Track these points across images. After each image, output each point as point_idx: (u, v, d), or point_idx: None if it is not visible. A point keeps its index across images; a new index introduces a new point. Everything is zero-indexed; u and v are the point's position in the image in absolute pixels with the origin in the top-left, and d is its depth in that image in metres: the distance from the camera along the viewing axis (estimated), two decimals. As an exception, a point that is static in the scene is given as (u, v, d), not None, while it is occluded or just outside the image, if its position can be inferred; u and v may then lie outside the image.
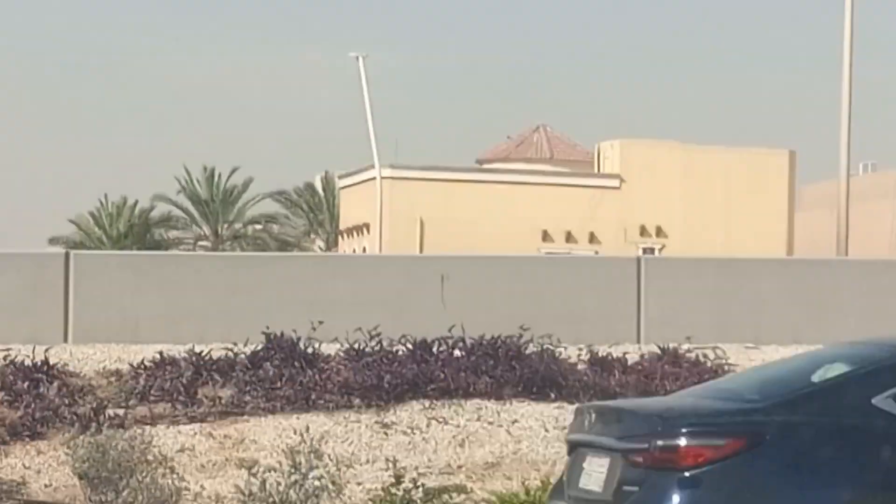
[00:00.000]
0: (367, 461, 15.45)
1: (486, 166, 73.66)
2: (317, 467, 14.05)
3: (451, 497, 14.10)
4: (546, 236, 61.12)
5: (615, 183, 66.76)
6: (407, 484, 14.04)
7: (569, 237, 60.92)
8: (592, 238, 59.42)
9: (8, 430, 15.74)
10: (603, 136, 70.99)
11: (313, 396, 16.85)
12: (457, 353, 17.59)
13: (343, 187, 71.92)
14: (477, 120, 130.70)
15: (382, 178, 60.20)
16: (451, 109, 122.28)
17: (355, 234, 66.03)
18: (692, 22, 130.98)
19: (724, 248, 52.34)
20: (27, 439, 15.62)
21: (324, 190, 79.66)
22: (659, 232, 62.50)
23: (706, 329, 18.80)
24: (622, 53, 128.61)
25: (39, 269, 19.24)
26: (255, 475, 14.04)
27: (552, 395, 17.09)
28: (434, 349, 17.64)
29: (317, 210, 79.83)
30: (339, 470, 14.17)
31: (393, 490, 13.93)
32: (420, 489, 14.07)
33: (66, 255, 19.29)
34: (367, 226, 63.79)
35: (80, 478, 13.98)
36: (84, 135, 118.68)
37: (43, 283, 18.89)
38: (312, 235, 78.12)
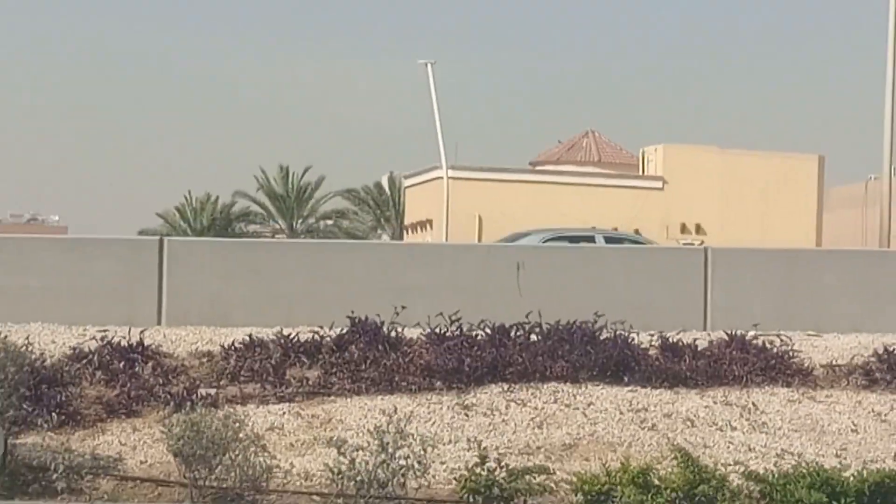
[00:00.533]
0: (450, 441, 15.40)
1: (538, 168, 73.91)
2: (402, 447, 13.53)
3: (533, 477, 13.74)
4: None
5: (658, 184, 68.48)
6: (491, 464, 13.56)
7: (616, 234, 61.64)
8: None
9: (105, 408, 15.81)
10: (647, 141, 71.42)
11: (396, 378, 16.83)
12: (533, 337, 17.68)
13: (408, 186, 72.87)
14: (531, 125, 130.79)
15: (452, 178, 60.88)
16: (507, 114, 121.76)
17: (419, 229, 68.03)
18: (728, 36, 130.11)
19: (759, 244, 52.09)
20: (123, 417, 15.69)
21: (390, 188, 79.85)
22: (698, 229, 63.53)
23: (770, 317, 18.24)
24: (665, 64, 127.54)
25: (135, 255, 19.05)
26: (343, 454, 13.60)
27: (625, 379, 17.18)
28: (511, 334, 17.70)
29: (383, 207, 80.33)
30: (424, 450, 13.69)
31: (477, 470, 13.56)
32: (503, 469, 13.59)
33: (160, 241, 19.04)
34: (430, 221, 65.22)
35: (175, 455, 13.77)
36: (172, 134, 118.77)
37: (138, 267, 18.61)
38: (379, 230, 77.97)
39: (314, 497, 13.97)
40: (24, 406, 14.72)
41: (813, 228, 64.91)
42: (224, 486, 13.74)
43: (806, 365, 17.83)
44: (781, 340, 18.09)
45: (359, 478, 13.77)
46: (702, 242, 57.37)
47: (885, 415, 16.71)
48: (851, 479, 13.93)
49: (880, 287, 20.54)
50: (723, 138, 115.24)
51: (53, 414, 15.23)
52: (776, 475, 14.10)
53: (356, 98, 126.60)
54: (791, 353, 17.87)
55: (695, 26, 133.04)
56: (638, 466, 13.99)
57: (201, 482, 13.78)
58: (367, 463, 13.85)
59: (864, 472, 14.07)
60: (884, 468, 14.29)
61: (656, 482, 13.80)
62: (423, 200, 68.38)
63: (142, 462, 14.50)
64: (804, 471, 14.07)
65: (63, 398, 15.56)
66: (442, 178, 62.66)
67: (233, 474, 13.78)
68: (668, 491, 13.72)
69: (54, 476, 13.66)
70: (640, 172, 70.94)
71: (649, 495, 13.67)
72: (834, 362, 18.13)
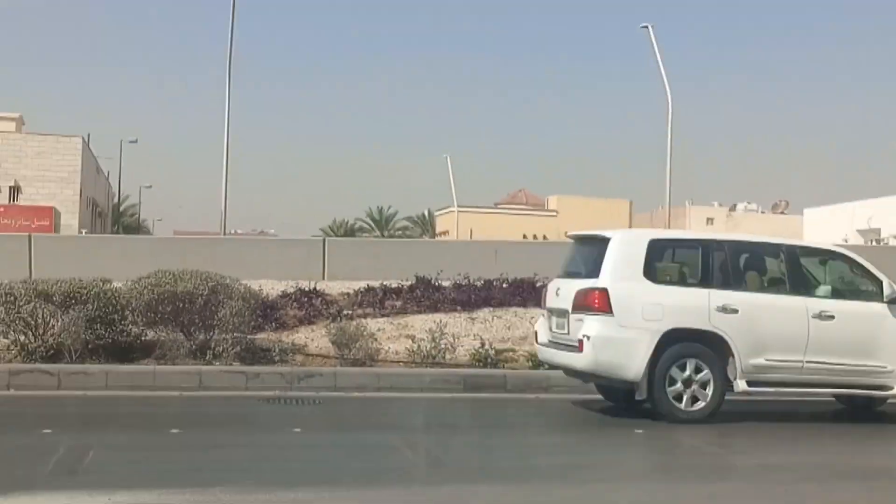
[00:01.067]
0: (464, 335, 15.07)
1: (498, 205, 75.49)
2: (443, 338, 13.24)
3: (508, 354, 13.41)
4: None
5: (554, 214, 67.25)
6: (486, 347, 13.23)
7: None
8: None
9: (298, 320, 15.74)
10: (550, 192, 72.71)
11: (438, 305, 16.63)
12: (504, 285, 17.03)
13: (437, 215, 73.66)
14: (498, 183, 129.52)
15: (459, 211, 62.19)
16: (489, 181, 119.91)
17: (442, 236, 68.03)
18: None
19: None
20: (306, 325, 15.49)
21: (429, 216, 79.78)
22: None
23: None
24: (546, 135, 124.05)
25: (311, 247, 18.95)
26: (414, 341, 13.28)
27: (549, 306, 16.30)
28: (494, 283, 17.36)
29: (426, 225, 79.62)
30: (454, 340, 13.38)
31: (480, 350, 13.36)
32: (493, 349, 13.35)
33: (324, 240, 18.91)
34: (446, 232, 66.44)
35: (332, 343, 13.45)
36: (319, 175, 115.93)
37: (313, 252, 18.45)
38: (424, 236, 78.22)
39: (400, 363, 13.71)
40: (259, 319, 14.52)
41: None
42: (356, 357, 13.45)
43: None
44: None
45: (422, 353, 13.49)
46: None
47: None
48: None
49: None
50: (586, 189, 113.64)
51: (272, 323, 15.12)
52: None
53: (415, 175, 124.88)
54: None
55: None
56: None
57: (345, 356, 13.50)
58: (426, 346, 13.57)
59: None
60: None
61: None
62: (444, 223, 70.41)
63: (316, 347, 14.35)
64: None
65: (277, 315, 15.46)
66: (454, 212, 63.94)
67: (360, 352, 13.50)
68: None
69: (273, 354, 13.45)
70: (545, 208, 72.72)
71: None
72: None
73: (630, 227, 68.85)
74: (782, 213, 75.51)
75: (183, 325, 13.61)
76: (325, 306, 16.06)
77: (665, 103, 33.76)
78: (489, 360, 13.57)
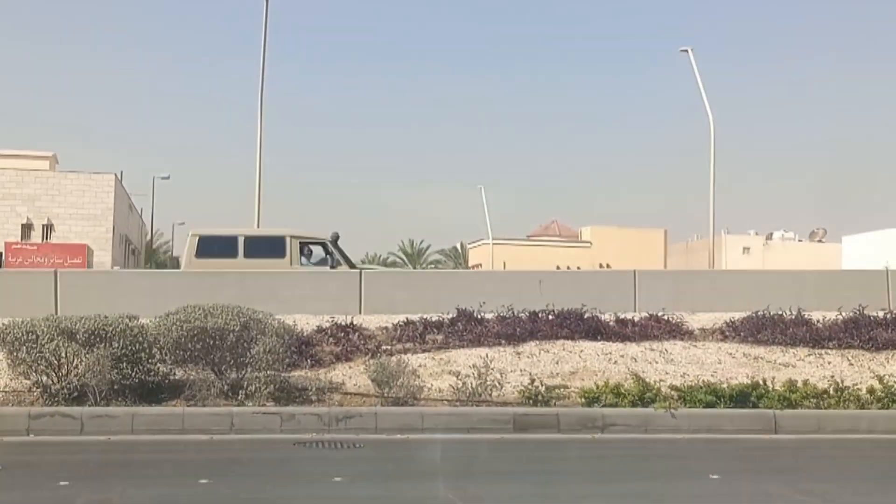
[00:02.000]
0: (511, 371, 14.11)
1: (531, 237, 74.88)
2: (489, 373, 12.29)
3: (559, 391, 12.39)
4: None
5: (588, 245, 68.25)
6: (536, 383, 12.25)
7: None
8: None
9: (334, 356, 14.75)
10: (583, 224, 72.74)
11: (482, 339, 15.56)
12: (550, 317, 15.94)
13: (470, 248, 73.15)
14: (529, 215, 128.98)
15: (493, 243, 61.88)
16: (520, 211, 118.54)
17: (476, 269, 68.01)
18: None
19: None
20: (343, 361, 14.54)
21: (461, 249, 79.06)
22: (607, 266, 61.83)
23: (668, 304, 16.72)
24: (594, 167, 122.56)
25: (347, 279, 17.97)
26: (458, 378, 12.32)
27: (598, 338, 15.89)
28: (539, 315, 16.26)
29: (458, 258, 78.80)
30: (500, 376, 12.42)
31: (529, 386, 12.28)
32: (542, 386, 12.33)
33: (360, 272, 17.92)
34: (479, 265, 66.05)
35: (372, 380, 12.39)
36: (349, 211, 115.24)
37: (349, 285, 17.56)
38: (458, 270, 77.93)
39: (444, 402, 12.73)
40: (294, 356, 13.62)
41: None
42: (397, 396, 12.49)
43: (689, 328, 16.45)
44: (676, 317, 16.65)
45: (467, 391, 12.53)
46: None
47: (734, 354, 15.40)
48: (726, 388, 12.62)
49: (717, 286, 18.96)
50: (619, 218, 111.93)
51: (308, 360, 14.18)
52: (687, 387, 12.77)
53: (445, 208, 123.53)
54: (682, 322, 16.51)
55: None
56: (614, 383, 12.77)
57: (386, 395, 12.55)
58: (471, 383, 12.61)
59: (731, 385, 12.78)
60: (740, 382, 12.93)
61: (623, 391, 12.49)
62: (477, 256, 69.65)
63: (354, 385, 13.38)
64: (701, 384, 12.76)
65: (313, 352, 14.53)
66: (488, 244, 63.23)
67: (402, 390, 12.55)
68: (630, 396, 12.42)
69: (310, 393, 12.54)
70: (579, 239, 72.01)
71: (620, 398, 12.38)
72: (703, 327, 16.77)
73: (665, 257, 67.91)
74: (820, 241, 73.95)
75: (213, 363, 12.74)
76: (362, 341, 15.13)
77: (706, 129, 32.72)
78: (539, 397, 12.57)
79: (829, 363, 15.07)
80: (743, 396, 12.59)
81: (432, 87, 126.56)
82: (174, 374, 12.87)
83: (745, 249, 70.74)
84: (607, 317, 16.53)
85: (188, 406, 12.07)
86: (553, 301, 16.63)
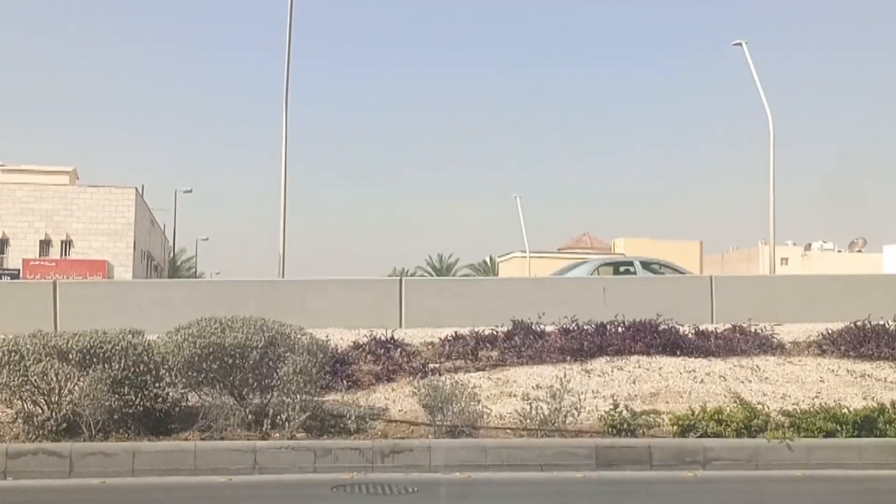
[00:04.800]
0: (581, 392, 11.66)
1: (561, 250, 72.81)
2: (565, 398, 10.07)
3: (647, 418, 10.10)
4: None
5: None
6: (621, 409, 10.01)
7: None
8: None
9: (374, 377, 12.62)
10: (616, 236, 70.98)
11: (543, 355, 13.36)
12: (620, 329, 13.63)
13: (500, 261, 71.46)
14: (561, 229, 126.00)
15: (530, 256, 58.76)
16: (550, 226, 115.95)
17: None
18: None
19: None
20: (385, 382, 12.46)
21: (491, 263, 77.13)
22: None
23: (749, 314, 14.64)
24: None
25: (385, 288, 15.79)
26: (528, 402, 10.13)
27: (677, 353, 13.71)
28: (607, 328, 13.92)
29: (488, 272, 76.81)
30: (580, 400, 10.18)
31: (613, 413, 10.12)
32: (628, 411, 10.09)
33: (400, 281, 15.80)
34: None
35: (424, 406, 10.23)
36: (376, 225, 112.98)
37: (387, 295, 15.32)
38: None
39: (507, 430, 10.53)
40: (328, 377, 11.43)
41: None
42: (453, 424, 10.30)
43: (780, 341, 14.20)
44: (763, 328, 14.41)
45: (538, 418, 10.31)
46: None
47: (836, 371, 13.17)
48: (849, 414, 10.34)
49: (804, 293, 16.65)
50: (653, 231, 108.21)
51: (344, 381, 12.01)
52: (800, 412, 10.53)
53: (468, 222, 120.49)
54: (771, 335, 14.25)
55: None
56: (712, 408, 10.51)
57: (438, 423, 10.35)
58: (540, 408, 10.40)
59: (854, 410, 10.50)
60: (864, 406, 10.65)
61: (724, 418, 10.27)
62: (507, 269, 67.57)
63: (399, 410, 11.23)
64: (818, 409, 10.50)
65: (349, 371, 12.36)
66: (517, 257, 61.42)
67: (458, 418, 10.34)
68: (734, 424, 10.18)
69: (348, 421, 10.32)
70: (611, 251, 70.00)
71: (721, 425, 10.14)
72: (796, 340, 14.51)
73: (701, 270, 65.49)
74: (859, 251, 71.27)
75: (233, 386, 10.60)
76: (405, 359, 12.98)
77: (766, 129, 30.25)
78: (625, 425, 10.33)
79: (951, 380, 12.85)
80: (868, 423, 10.33)
81: (451, 96, 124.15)
82: (186, 399, 10.71)
83: (784, 260, 68.13)
84: (685, 329, 14.32)
85: (202, 439, 9.92)
86: (619, 311, 14.43)
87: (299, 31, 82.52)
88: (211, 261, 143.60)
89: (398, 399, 11.62)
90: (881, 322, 14.29)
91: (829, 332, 14.34)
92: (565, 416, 10.43)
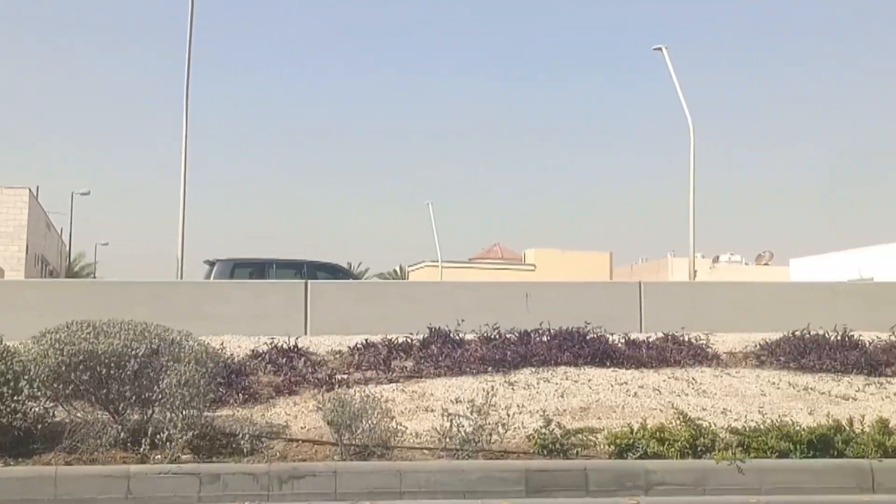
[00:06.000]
0: (504, 407, 10.52)
1: (472, 260, 71.70)
2: (491, 413, 8.84)
3: (583, 437, 8.88)
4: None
5: (532, 268, 64.37)
6: (552, 427, 8.76)
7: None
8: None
9: (274, 389, 11.25)
10: (526, 247, 70.15)
11: (462, 366, 12.18)
12: (545, 338, 12.38)
13: (410, 270, 70.32)
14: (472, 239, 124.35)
15: (442, 265, 57.79)
16: (462, 236, 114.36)
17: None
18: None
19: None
20: (286, 395, 11.10)
21: (401, 271, 75.54)
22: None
23: (679, 323, 13.41)
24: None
25: (290, 291, 14.37)
26: (448, 419, 8.85)
27: (607, 363, 12.53)
28: (532, 336, 12.52)
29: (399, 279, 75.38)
30: (509, 415, 8.98)
31: (544, 431, 8.78)
32: (560, 428, 8.85)
33: (305, 284, 14.46)
34: None
35: (328, 422, 8.75)
36: (280, 234, 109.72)
37: (292, 299, 13.91)
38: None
39: (424, 450, 9.23)
40: (220, 389, 10.05)
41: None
42: (362, 443, 8.97)
43: (716, 352, 13.23)
44: (697, 337, 13.44)
45: (459, 436, 9.05)
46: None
47: (778, 384, 12.23)
48: (803, 431, 9.32)
49: (738, 301, 15.77)
50: (564, 242, 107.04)
51: (239, 394, 10.65)
52: (750, 429, 9.47)
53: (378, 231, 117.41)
54: (706, 345, 13.29)
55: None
56: (654, 426, 9.41)
57: (346, 442, 9.00)
58: (462, 425, 9.14)
59: (807, 427, 9.46)
60: (819, 424, 9.64)
61: (666, 437, 9.14)
62: (417, 276, 67.20)
63: (302, 428, 9.86)
64: (769, 426, 9.46)
65: (246, 383, 10.98)
66: (429, 265, 60.25)
67: (368, 437, 9.03)
68: (678, 443, 9.06)
69: (241, 441, 8.91)
70: (523, 262, 69.19)
71: (664, 446, 9.02)
72: (732, 350, 13.57)
73: (611, 279, 65.20)
74: (766, 264, 71.76)
75: (108, 400, 9.10)
76: (310, 369, 11.61)
77: (686, 134, 29.49)
78: (557, 445, 9.14)
79: (896, 395, 12.01)
80: (824, 442, 9.32)
81: (370, 101, 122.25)
82: (52, 415, 9.22)
83: (693, 273, 68.32)
84: (615, 338, 13.27)
85: (67, 462, 8.43)
86: (544, 318, 13.33)
87: (206, 29, 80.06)
88: (113, 268, 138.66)
89: (300, 415, 10.24)
90: (821, 332, 13.47)
91: (767, 342, 13.44)
92: (490, 435, 9.19)
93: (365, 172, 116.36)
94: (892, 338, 13.49)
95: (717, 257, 72.83)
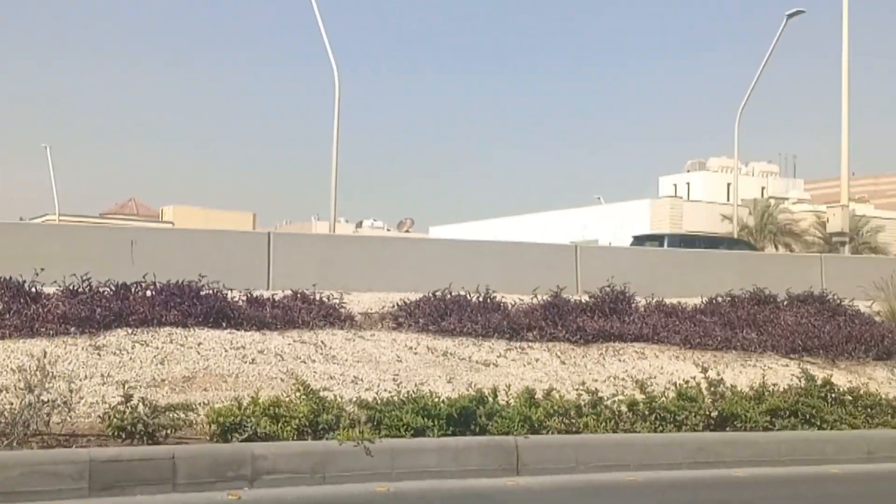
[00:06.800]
0: (85, 377, 8.53)
1: (104, 215, 67.10)
2: (48, 389, 6.56)
3: (178, 415, 6.83)
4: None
5: (170, 225, 60.65)
6: (136, 403, 6.65)
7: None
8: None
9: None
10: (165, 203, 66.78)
11: (37, 325, 9.66)
12: (149, 293, 10.24)
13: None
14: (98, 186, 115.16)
15: (61, 219, 53.04)
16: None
17: None
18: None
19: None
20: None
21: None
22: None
23: (315, 280, 11.78)
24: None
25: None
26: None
27: (224, 325, 10.60)
28: (132, 290, 10.37)
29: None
30: (71, 391, 6.72)
31: (122, 409, 6.61)
32: (147, 406, 6.75)
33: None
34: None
35: None
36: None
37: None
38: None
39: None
40: None
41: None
42: None
43: (350, 312, 11.66)
44: (330, 296, 11.81)
45: (3, 420, 6.72)
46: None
47: (415, 348, 10.90)
48: (442, 404, 7.92)
49: (374, 258, 14.42)
50: (206, 201, 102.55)
51: None
52: (382, 402, 7.91)
53: None
54: (339, 304, 11.65)
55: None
56: (268, 399, 7.60)
57: None
58: (12, 404, 6.85)
59: (447, 399, 8.08)
60: (461, 395, 8.30)
61: (282, 413, 7.36)
62: None
63: None
64: (404, 399, 7.95)
65: None
66: (50, 220, 53.89)
67: None
68: (296, 420, 7.32)
69: None
70: (160, 219, 65.66)
71: (279, 425, 7.25)
72: (367, 311, 12.07)
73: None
74: (407, 231, 72.88)
75: None
76: None
77: (331, 89, 27.81)
78: (140, 426, 7.03)
79: (538, 360, 11.06)
80: (466, 416, 7.98)
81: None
82: None
83: (334, 236, 68.02)
84: (235, 294, 11.32)
85: None
86: (154, 271, 11.10)
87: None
88: None
89: None
90: (463, 293, 12.34)
91: (406, 302, 12.08)
92: (48, 415, 6.92)
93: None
94: (534, 300, 12.67)
95: (361, 222, 73.05)
